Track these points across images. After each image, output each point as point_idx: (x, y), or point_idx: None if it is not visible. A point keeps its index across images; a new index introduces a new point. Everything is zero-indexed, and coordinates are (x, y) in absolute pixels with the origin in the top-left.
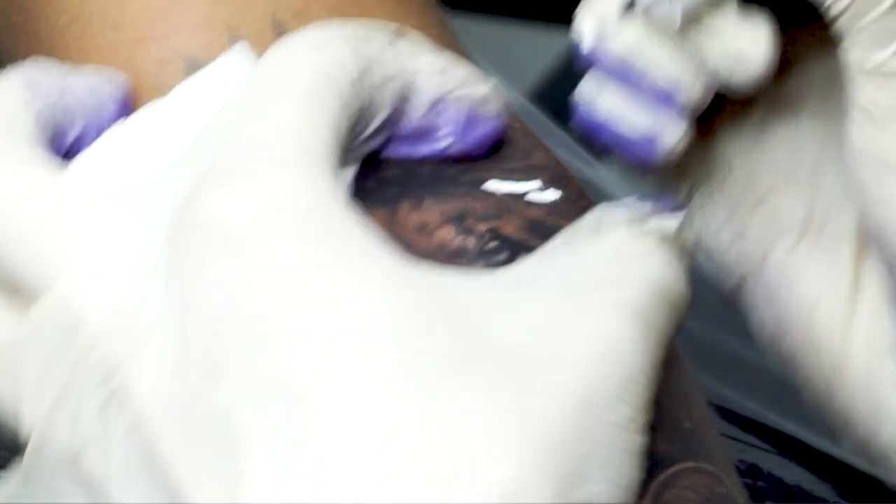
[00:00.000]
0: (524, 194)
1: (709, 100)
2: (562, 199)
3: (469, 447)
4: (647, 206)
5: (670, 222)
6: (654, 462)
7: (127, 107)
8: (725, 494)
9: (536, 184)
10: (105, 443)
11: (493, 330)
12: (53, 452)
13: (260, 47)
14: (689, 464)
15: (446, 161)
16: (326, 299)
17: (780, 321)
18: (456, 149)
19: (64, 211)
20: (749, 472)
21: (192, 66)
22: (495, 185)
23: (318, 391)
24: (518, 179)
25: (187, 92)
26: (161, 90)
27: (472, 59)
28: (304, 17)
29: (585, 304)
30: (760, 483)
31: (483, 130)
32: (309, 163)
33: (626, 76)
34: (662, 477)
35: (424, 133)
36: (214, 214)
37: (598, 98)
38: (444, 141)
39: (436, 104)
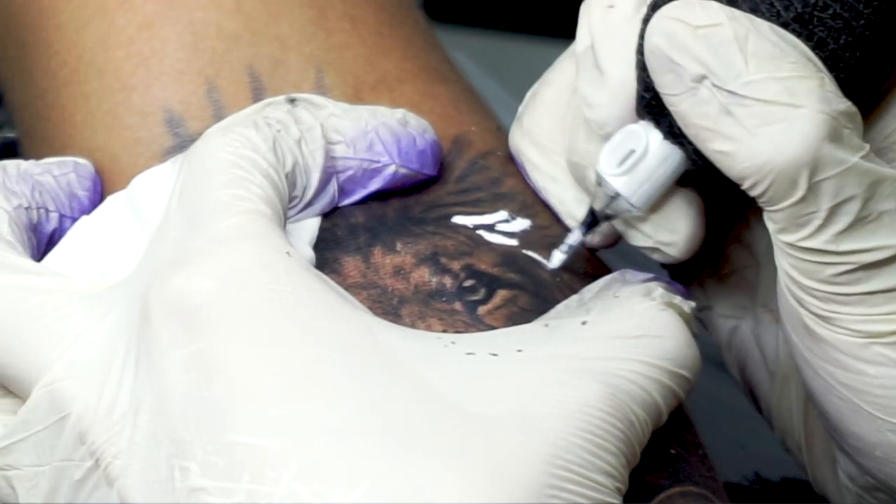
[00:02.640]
0: (493, 226)
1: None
2: (532, 228)
3: None
4: (660, 284)
5: (687, 303)
6: (641, 492)
7: (95, 190)
8: None
9: (503, 214)
10: None
11: (463, 397)
12: None
13: (237, 96)
14: (676, 489)
15: (410, 196)
16: (291, 372)
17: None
18: (403, 173)
19: (42, 307)
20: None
21: (171, 120)
22: (463, 220)
23: (285, 459)
24: (485, 211)
25: (144, 182)
26: (140, 144)
27: (472, 73)
28: (280, 67)
29: (566, 377)
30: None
31: (418, 147)
32: (253, 234)
33: None
34: None
35: (369, 170)
36: (173, 298)
37: None
38: (388, 169)
39: (358, 141)
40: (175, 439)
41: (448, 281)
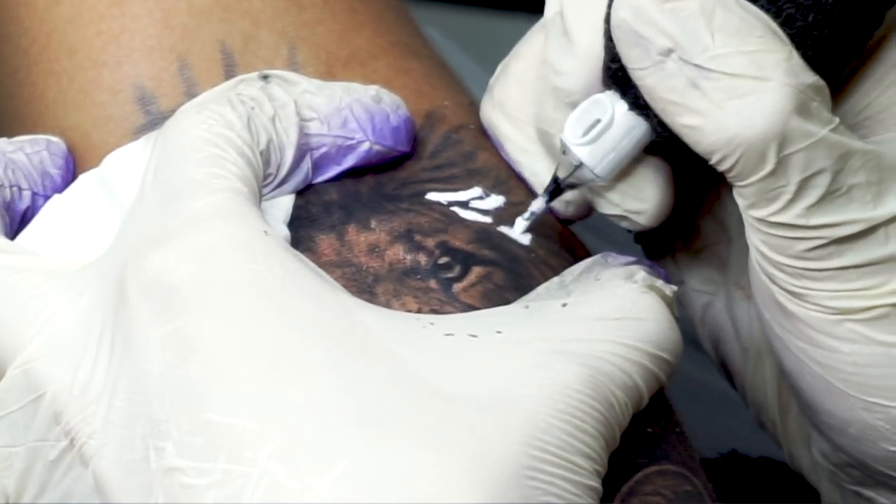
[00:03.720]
0: (467, 203)
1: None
2: (506, 204)
3: (417, 489)
4: (642, 268)
5: (669, 287)
6: (618, 472)
7: (68, 168)
8: (691, 492)
9: (477, 191)
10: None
11: (442, 378)
12: None
13: (209, 73)
14: (653, 468)
15: (384, 173)
16: (268, 352)
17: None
18: (377, 150)
19: (17, 287)
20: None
21: (142, 97)
22: (437, 197)
23: (262, 440)
24: (459, 187)
25: (117, 161)
26: (112, 122)
27: (445, 49)
28: (252, 43)
29: (546, 359)
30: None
31: (392, 124)
32: (230, 213)
33: None
34: (626, 487)
35: (343, 147)
36: (151, 277)
37: None
38: (363, 146)
39: (332, 118)
40: (151, 419)
41: (423, 258)
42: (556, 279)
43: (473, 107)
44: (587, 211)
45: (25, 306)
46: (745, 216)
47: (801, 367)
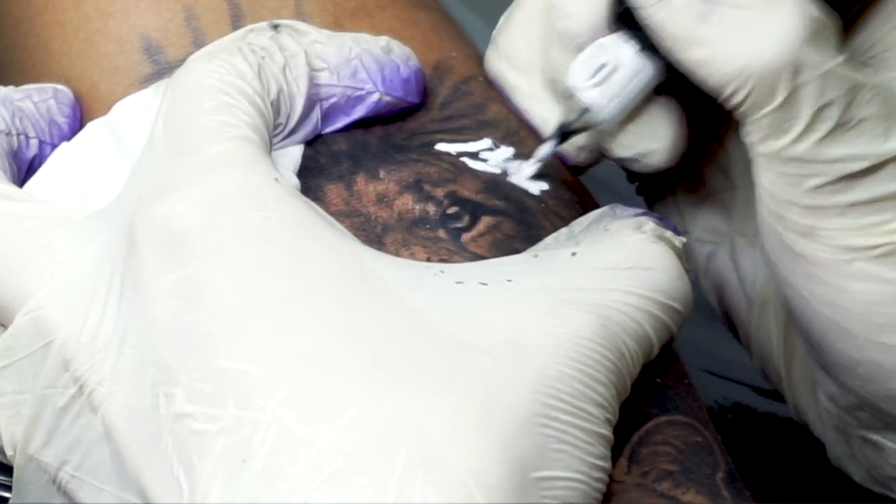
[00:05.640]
0: (476, 153)
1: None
2: (515, 156)
3: (428, 436)
4: (651, 219)
5: (678, 237)
6: (628, 421)
7: (75, 117)
8: (701, 443)
9: (487, 142)
10: (80, 452)
11: (453, 325)
12: (37, 466)
13: (216, 24)
14: (663, 418)
15: (393, 124)
16: (279, 299)
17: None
18: (387, 100)
19: (27, 234)
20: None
21: (149, 47)
22: (446, 147)
23: (272, 386)
24: (469, 138)
25: (125, 109)
26: (119, 72)
27: (454, 5)
28: None
29: (556, 307)
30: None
31: (402, 75)
32: (241, 161)
33: None
34: (636, 437)
35: (352, 97)
36: (160, 224)
37: None
38: (372, 97)
39: (342, 68)
40: (160, 366)
41: (432, 208)
42: (564, 229)
43: (480, 59)
44: (599, 156)
45: (34, 254)
46: (753, 154)
47: (809, 308)
